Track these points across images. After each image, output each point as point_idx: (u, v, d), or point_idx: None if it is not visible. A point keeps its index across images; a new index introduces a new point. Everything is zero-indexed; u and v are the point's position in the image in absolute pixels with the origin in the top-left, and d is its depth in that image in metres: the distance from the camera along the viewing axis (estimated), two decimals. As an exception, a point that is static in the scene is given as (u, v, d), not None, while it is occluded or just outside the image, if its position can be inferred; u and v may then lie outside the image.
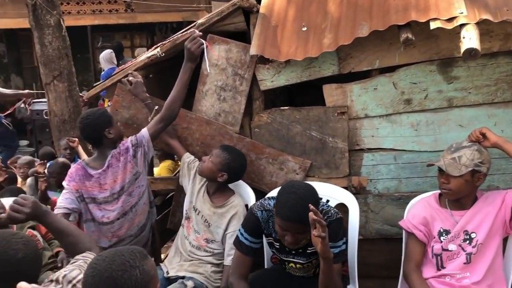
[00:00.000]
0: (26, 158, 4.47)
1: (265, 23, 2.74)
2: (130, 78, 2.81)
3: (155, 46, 2.90)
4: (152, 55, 2.82)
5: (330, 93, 2.77)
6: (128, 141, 2.72)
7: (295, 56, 2.63)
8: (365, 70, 2.72)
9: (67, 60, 5.30)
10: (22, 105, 7.30)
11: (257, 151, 2.85)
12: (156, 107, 2.77)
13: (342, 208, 2.69)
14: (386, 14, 2.51)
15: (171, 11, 8.38)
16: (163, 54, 2.81)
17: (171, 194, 3.27)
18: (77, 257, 1.65)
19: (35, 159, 4.57)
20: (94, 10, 8.45)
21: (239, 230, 2.35)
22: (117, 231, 2.72)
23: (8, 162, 4.63)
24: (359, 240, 2.77)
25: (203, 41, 2.54)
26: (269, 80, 2.80)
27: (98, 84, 3.25)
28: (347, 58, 2.70)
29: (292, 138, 2.84)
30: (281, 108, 2.86)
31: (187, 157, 2.88)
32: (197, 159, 2.86)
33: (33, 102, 7.10)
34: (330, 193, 2.73)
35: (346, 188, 2.79)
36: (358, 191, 2.84)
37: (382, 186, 2.84)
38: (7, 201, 2.93)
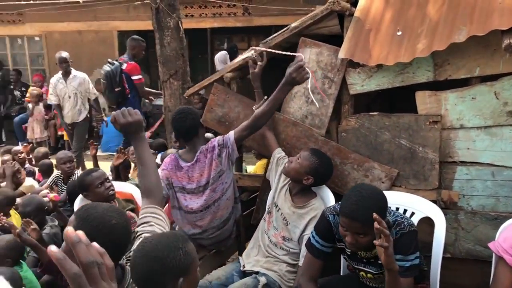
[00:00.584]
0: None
1: (358, 27, 2.70)
2: (259, 63, 2.88)
3: (250, 48, 3.00)
4: (247, 57, 2.93)
5: (423, 100, 2.64)
6: (215, 141, 2.88)
7: (386, 61, 2.55)
8: (463, 78, 2.55)
9: (183, 60, 5.70)
10: (147, 100, 8.01)
11: (342, 156, 2.82)
12: (265, 97, 2.84)
13: (429, 222, 2.56)
14: (488, 18, 2.32)
15: (287, 14, 8.53)
16: (257, 56, 2.91)
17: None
18: (140, 230, 1.77)
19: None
20: (214, 13, 8.94)
21: (312, 232, 2.36)
22: (200, 221, 2.89)
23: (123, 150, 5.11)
24: (447, 259, 2.62)
25: (309, 71, 2.53)
26: (359, 84, 2.75)
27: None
28: (444, 65, 2.55)
29: (380, 145, 2.76)
30: (370, 113, 2.79)
31: (278, 153, 2.93)
32: (287, 157, 2.90)
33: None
34: (416, 205, 2.60)
35: (434, 201, 2.63)
36: (447, 206, 2.66)
37: (476, 203, 2.63)
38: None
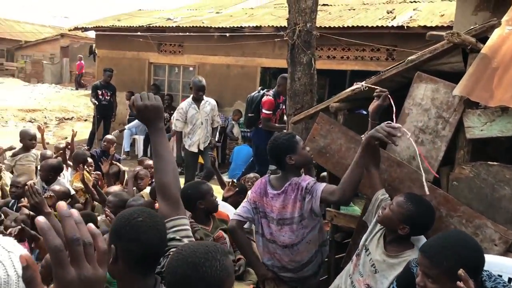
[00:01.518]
0: (252, 174, 5.01)
1: (482, 64, 2.40)
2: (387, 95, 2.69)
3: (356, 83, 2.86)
4: (356, 88, 2.80)
5: (557, 154, 2.21)
6: (306, 181, 2.72)
7: (510, 103, 2.21)
8: None
9: (311, 96, 5.71)
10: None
11: (450, 207, 2.47)
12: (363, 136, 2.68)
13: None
14: None
15: (433, 62, 8.07)
16: (367, 88, 2.76)
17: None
18: (169, 245, 1.70)
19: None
20: (356, 56, 8.87)
21: (394, 282, 2.09)
22: (278, 256, 2.77)
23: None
24: None
25: (406, 131, 2.30)
26: (478, 128, 2.42)
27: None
28: None
29: (497, 201, 2.37)
30: (488, 162, 2.42)
31: (382, 194, 2.66)
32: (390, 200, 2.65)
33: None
34: (534, 278, 2.15)
35: (561, 279, 2.14)
36: None
37: None
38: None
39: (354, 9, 10.02)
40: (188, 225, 1.79)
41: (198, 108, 6.14)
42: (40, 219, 0.82)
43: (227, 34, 9.26)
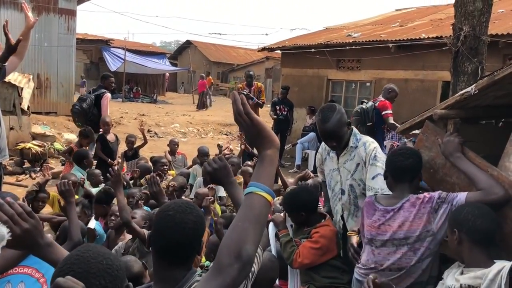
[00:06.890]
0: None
1: None
2: None
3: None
4: (466, 92, 2.35)
5: None
6: (435, 193, 2.39)
7: None
8: None
9: (476, 110, 4.99)
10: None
11: None
12: None
13: None
14: None
15: None
16: (476, 91, 2.29)
17: None
18: None
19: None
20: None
21: None
22: None
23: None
24: None
25: None
26: None
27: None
28: None
29: None
30: None
31: None
32: None
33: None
34: None
35: None
36: None
37: None
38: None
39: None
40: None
41: None
42: None
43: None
